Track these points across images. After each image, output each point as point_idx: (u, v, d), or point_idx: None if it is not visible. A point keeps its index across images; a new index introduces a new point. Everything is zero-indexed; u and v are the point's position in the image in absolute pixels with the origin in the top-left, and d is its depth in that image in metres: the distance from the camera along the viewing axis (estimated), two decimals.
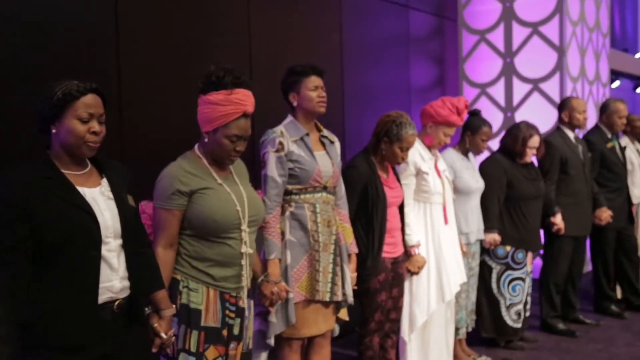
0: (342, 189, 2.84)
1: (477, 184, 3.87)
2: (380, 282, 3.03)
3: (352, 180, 2.98)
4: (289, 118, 2.72)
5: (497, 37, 6.49)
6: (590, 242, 5.05)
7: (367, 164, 3.04)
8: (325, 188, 2.67)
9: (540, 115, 6.25)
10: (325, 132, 2.79)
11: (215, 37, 4.27)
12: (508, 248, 4.06)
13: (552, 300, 4.53)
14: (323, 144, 2.75)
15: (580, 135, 4.99)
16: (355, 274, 2.83)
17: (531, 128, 4.06)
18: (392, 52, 6.16)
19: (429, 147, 3.51)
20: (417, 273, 3.32)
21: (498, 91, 6.51)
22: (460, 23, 6.67)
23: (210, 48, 4.19)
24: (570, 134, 4.58)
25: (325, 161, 2.69)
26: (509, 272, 4.08)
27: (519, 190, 4.04)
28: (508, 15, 6.39)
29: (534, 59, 6.28)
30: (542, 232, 4.43)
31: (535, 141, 4.05)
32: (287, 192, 2.63)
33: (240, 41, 4.50)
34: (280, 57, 4.65)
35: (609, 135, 4.92)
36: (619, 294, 5.20)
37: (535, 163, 4.51)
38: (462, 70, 6.71)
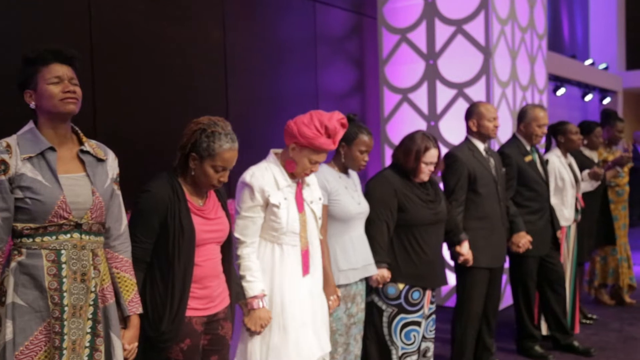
0: (121, 224, 2.06)
1: (359, 207, 3.12)
2: (184, 352, 2.23)
3: (145, 209, 2.20)
4: (28, 125, 1.93)
5: (419, 37, 5.80)
6: (510, 273, 4.34)
7: (169, 187, 2.25)
8: (78, 226, 1.88)
9: (463, 124, 5.56)
10: (88, 146, 2.00)
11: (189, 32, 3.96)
12: (401, 286, 3.31)
13: (464, 344, 3.80)
14: (83, 163, 1.96)
15: (496, 147, 4.31)
16: (134, 345, 2.05)
17: (428, 139, 3.33)
18: (296, 52, 5.42)
19: (291, 174, 2.73)
20: (258, 332, 2.55)
21: (421, 97, 5.82)
22: (380, 21, 5.97)
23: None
24: (480, 146, 3.87)
25: (80, 188, 1.90)
26: (402, 315, 3.33)
27: (413, 214, 3.30)
28: (430, 12, 5.71)
29: (459, 61, 5.61)
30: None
31: (431, 155, 3.31)
32: (16, 234, 1.84)
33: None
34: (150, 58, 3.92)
35: (528, 147, 4.23)
36: (544, 330, 4.50)
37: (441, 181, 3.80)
38: (382, 73, 6.00)
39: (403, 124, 5.90)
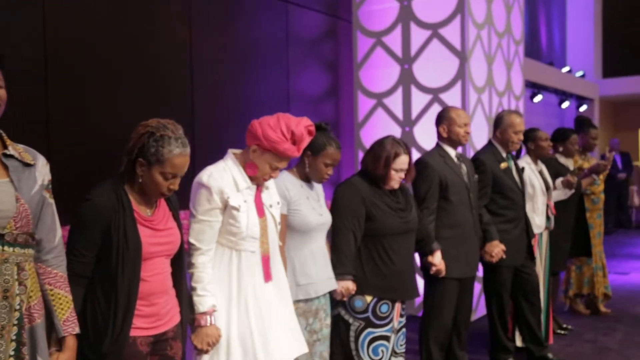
0: (55, 236, 1.89)
1: (320, 219, 2.97)
2: None
3: (86, 219, 2.04)
4: None
5: (394, 41, 5.69)
6: (484, 283, 4.23)
7: (114, 195, 2.09)
8: (0, 237, 1.71)
9: None
10: (13, 149, 1.82)
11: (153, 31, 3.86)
12: (368, 299, 3.17)
13: (432, 357, 3.67)
14: (6, 168, 1.79)
15: (472, 154, 4.20)
16: None
17: (398, 145, 3.20)
18: (267, 54, 5.27)
19: (251, 177, 2.57)
20: (205, 351, 2.39)
21: (395, 102, 5.70)
22: (355, 24, 5.85)
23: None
24: (452, 152, 3.75)
25: (2, 195, 1.72)
26: (370, 329, 3.19)
27: (382, 223, 3.17)
28: (406, 16, 5.61)
29: (434, 66, 5.50)
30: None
31: (402, 162, 3.18)
32: None
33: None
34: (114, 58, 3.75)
35: (504, 154, 4.13)
36: (519, 341, 4.39)
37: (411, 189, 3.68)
38: (357, 77, 5.87)
39: (377, 129, 5.78)
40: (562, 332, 5.01)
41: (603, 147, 12.36)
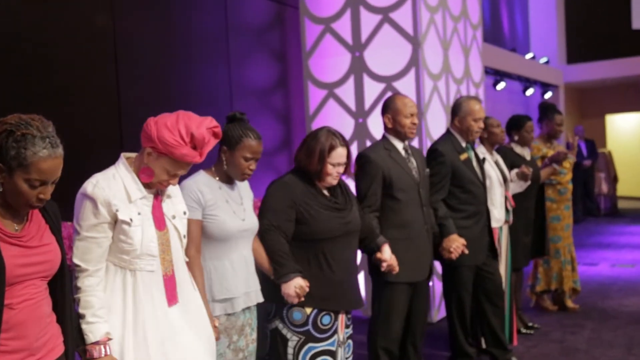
0: None
1: (242, 224, 2.61)
2: None
3: None
4: None
5: (343, 27, 5.33)
6: (443, 284, 3.92)
7: None
8: None
9: None
10: None
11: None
12: (308, 310, 2.82)
13: None
14: None
15: (426, 144, 3.87)
16: None
17: (334, 137, 2.85)
18: (204, 44, 4.88)
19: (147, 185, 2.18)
20: None
21: (347, 92, 5.35)
22: (302, 10, 5.48)
23: None
24: (399, 145, 3.42)
25: None
26: (311, 344, 2.84)
27: (318, 226, 2.81)
28: (355, 0, 5.25)
29: (387, 53, 5.17)
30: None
31: (338, 155, 2.83)
32: None
33: None
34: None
35: (463, 144, 3.81)
36: (482, 343, 4.09)
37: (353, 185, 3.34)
38: (306, 67, 5.51)
39: (330, 121, 5.42)
40: (528, 331, 4.72)
41: (569, 134, 12.17)
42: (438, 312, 5.14)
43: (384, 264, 3.10)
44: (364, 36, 5.24)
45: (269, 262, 2.75)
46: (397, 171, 3.34)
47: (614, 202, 12.38)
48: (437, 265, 4.21)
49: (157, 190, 2.19)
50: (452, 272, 3.78)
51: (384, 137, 3.48)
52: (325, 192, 2.91)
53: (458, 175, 3.71)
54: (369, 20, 5.21)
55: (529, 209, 4.71)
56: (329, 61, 5.43)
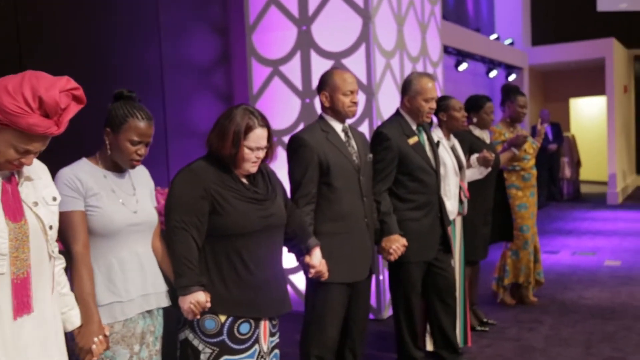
0: None
1: (133, 217, 2.22)
2: None
3: None
4: None
5: None
6: (389, 282, 3.56)
7: None
8: None
9: None
10: None
11: None
12: (222, 318, 2.42)
13: None
14: None
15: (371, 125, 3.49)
16: None
17: (251, 116, 2.43)
18: (129, 15, 4.40)
19: None
20: None
21: (293, 70, 4.94)
22: None
23: None
24: (337, 126, 3.03)
25: None
26: (227, 357, 2.44)
27: (233, 219, 2.40)
28: None
29: (335, 27, 4.76)
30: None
31: (257, 137, 2.42)
32: None
33: None
34: None
35: (413, 127, 3.43)
36: (430, 345, 3.76)
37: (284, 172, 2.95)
38: (249, 42, 5.07)
39: (275, 101, 5.02)
40: (483, 328, 4.42)
41: (533, 118, 11.97)
42: (388, 308, 4.80)
43: (312, 270, 2.72)
44: (311, 9, 4.82)
45: (172, 266, 2.35)
46: (335, 156, 2.96)
47: (576, 186, 12.24)
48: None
49: (10, 172, 1.76)
50: (399, 269, 3.42)
51: (320, 117, 3.08)
52: (244, 180, 2.50)
53: (406, 162, 3.34)
54: None
55: (487, 197, 4.39)
56: (274, 36, 5.00)
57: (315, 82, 4.85)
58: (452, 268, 3.61)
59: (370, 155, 3.15)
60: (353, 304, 3.07)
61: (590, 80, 12.71)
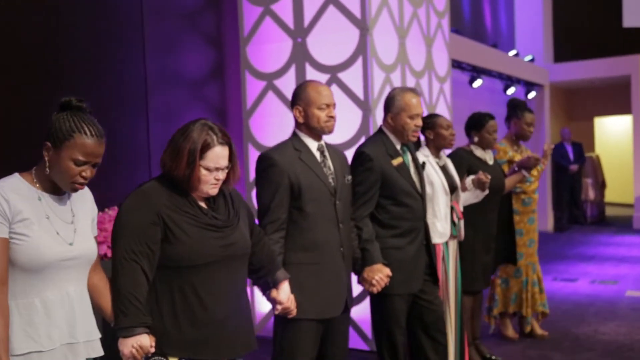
0: None
1: (68, 250, 1.91)
2: None
3: None
4: None
5: (284, 9, 4.65)
6: (371, 315, 3.23)
7: None
8: None
9: (342, 117, 4.45)
10: None
11: None
12: None
13: None
14: None
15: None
16: None
17: (210, 132, 2.17)
18: (112, 28, 4.19)
19: None
20: None
21: (288, 84, 4.66)
22: None
23: None
24: (312, 144, 2.75)
25: None
26: None
27: (187, 248, 2.13)
28: None
29: (331, 39, 4.49)
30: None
31: (216, 156, 2.15)
32: None
33: None
34: None
35: (398, 146, 3.14)
36: None
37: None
38: (244, 54, 4.83)
39: (269, 116, 4.76)
40: None
41: (555, 137, 11.54)
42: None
43: (279, 307, 2.42)
44: (306, 20, 4.56)
45: (112, 305, 2.07)
46: (308, 177, 2.67)
47: (601, 209, 11.74)
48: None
49: None
50: (381, 302, 3.10)
51: (293, 134, 2.80)
52: (202, 204, 2.23)
53: (389, 185, 3.03)
54: (312, 1, 4.53)
55: (491, 222, 4.05)
56: (268, 48, 4.75)
57: None
58: (440, 300, 3.27)
59: (349, 177, 2.86)
60: (328, 343, 2.76)
61: (616, 98, 12.25)
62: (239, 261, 2.27)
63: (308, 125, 2.73)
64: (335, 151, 2.88)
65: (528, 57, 10.47)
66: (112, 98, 4.10)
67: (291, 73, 4.66)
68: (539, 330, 4.63)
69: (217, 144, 2.17)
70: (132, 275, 2.06)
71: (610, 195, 12.68)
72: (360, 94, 4.38)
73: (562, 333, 4.73)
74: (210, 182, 2.17)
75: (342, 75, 4.45)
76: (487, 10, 10.14)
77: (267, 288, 2.46)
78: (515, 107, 4.56)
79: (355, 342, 4.34)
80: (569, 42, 11.80)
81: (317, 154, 2.75)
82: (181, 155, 2.14)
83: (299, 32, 4.60)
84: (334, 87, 4.45)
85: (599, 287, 6.31)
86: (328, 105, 2.71)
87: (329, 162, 2.77)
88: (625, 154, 12.34)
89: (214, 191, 2.20)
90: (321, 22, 4.51)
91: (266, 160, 2.66)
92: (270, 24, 4.72)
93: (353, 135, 4.40)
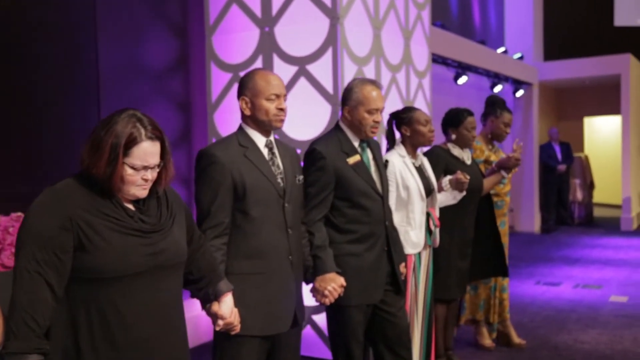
0: None
1: None
2: None
3: None
4: None
5: None
6: (328, 328, 2.98)
7: None
8: None
9: (310, 112, 4.21)
10: None
11: None
12: None
13: None
14: None
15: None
16: None
17: (138, 124, 1.89)
18: (63, 13, 3.91)
19: None
20: None
21: None
22: None
23: None
24: (260, 140, 2.49)
25: None
26: None
27: (104, 258, 1.85)
28: None
29: (300, 29, 4.23)
30: None
31: (143, 153, 1.87)
32: None
33: None
34: None
35: (356, 143, 2.88)
36: None
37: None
38: (209, 44, 4.56)
39: (235, 111, 4.46)
40: None
41: (543, 137, 11.33)
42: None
43: (220, 322, 2.16)
44: (274, 8, 4.30)
45: (4, 323, 1.80)
46: (253, 177, 2.41)
47: (589, 210, 11.53)
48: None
49: None
50: (337, 313, 2.84)
51: (240, 128, 2.54)
52: (130, 205, 1.96)
53: (345, 185, 2.77)
54: None
55: (468, 226, 3.80)
56: (234, 38, 4.48)
57: None
58: (405, 312, 3.02)
59: (301, 177, 2.59)
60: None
61: (606, 98, 12.04)
62: (170, 271, 2.00)
63: (255, 119, 2.47)
64: (286, 148, 2.62)
65: (517, 55, 10.24)
66: (62, 90, 3.82)
67: (258, 64, 4.39)
68: (516, 339, 4.39)
69: (146, 139, 1.89)
70: (32, 289, 1.78)
71: (598, 196, 12.48)
72: (329, 87, 4.13)
73: (540, 342, 4.50)
74: (136, 182, 1.90)
75: (311, 68, 4.19)
76: (476, 6, 9.90)
77: (208, 301, 2.20)
78: (494, 105, 4.32)
79: (322, 352, 4.09)
80: (559, 40, 11.58)
81: (265, 151, 2.49)
82: (102, 150, 1.86)
83: (267, 21, 4.33)
84: (303, 80, 4.20)
85: (582, 291, 6.09)
86: (278, 96, 2.45)
87: (278, 160, 2.51)
88: (614, 154, 12.14)
89: (141, 193, 1.93)
90: (290, 11, 4.25)
91: (206, 157, 2.39)
92: (236, 11, 4.45)
93: (322, 132, 4.14)
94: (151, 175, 1.94)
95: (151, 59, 4.62)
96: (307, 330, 4.17)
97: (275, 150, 2.52)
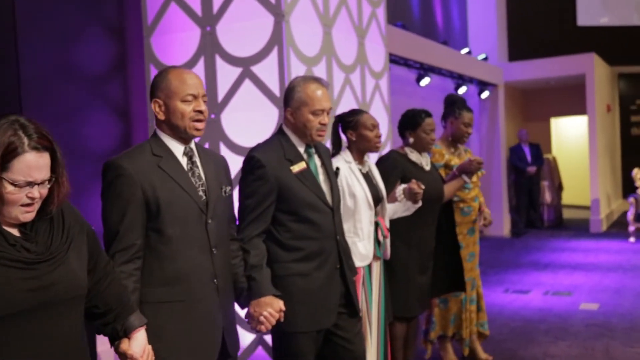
0: None
1: None
2: None
3: None
4: None
5: None
6: (274, 354, 2.67)
7: None
8: None
9: (255, 115, 3.90)
10: None
11: None
12: None
13: None
14: None
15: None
16: None
17: (20, 132, 1.60)
18: None
19: None
20: None
21: None
22: None
23: None
24: (177, 148, 2.18)
25: None
26: None
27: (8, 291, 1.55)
28: None
29: (243, 27, 3.92)
30: None
31: (26, 167, 1.57)
32: None
33: None
34: None
35: (301, 149, 2.58)
36: None
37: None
38: (148, 46, 4.22)
39: None
40: None
41: (511, 139, 11.17)
42: None
43: (129, 355, 1.83)
44: (215, 6, 3.98)
45: None
46: (169, 191, 2.08)
47: (558, 212, 11.40)
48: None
49: None
50: (283, 341, 2.53)
51: (154, 134, 2.22)
52: (14, 230, 1.64)
53: (289, 196, 2.47)
54: None
55: (428, 238, 3.51)
56: (175, 38, 4.16)
57: (221, 95, 4.00)
58: (361, 336, 2.72)
59: (228, 188, 2.28)
60: None
61: (571, 98, 11.95)
62: (64, 307, 1.68)
63: (170, 123, 2.15)
64: (211, 155, 2.30)
65: (481, 56, 10.07)
66: None
67: (200, 66, 4.06)
68: (482, 355, 4.13)
69: (29, 149, 1.59)
70: None
71: (567, 198, 12.38)
72: (276, 89, 3.82)
73: (507, 356, 4.25)
74: (19, 201, 1.59)
75: (255, 69, 3.88)
76: (438, 7, 9.70)
77: (117, 337, 1.87)
78: (453, 105, 4.06)
79: None
80: (523, 41, 11.46)
81: (184, 160, 2.17)
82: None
83: (208, 20, 4.01)
84: (247, 83, 3.89)
85: (552, 299, 5.86)
86: (195, 97, 2.14)
87: (199, 171, 2.19)
88: (582, 155, 12.05)
89: (25, 217, 1.62)
90: (232, 8, 3.94)
91: (112, 169, 2.06)
92: (176, 10, 4.13)
93: (267, 137, 3.83)
94: (39, 192, 1.63)
95: (85, 62, 4.27)
96: (259, 352, 3.85)
97: (197, 159, 2.20)
